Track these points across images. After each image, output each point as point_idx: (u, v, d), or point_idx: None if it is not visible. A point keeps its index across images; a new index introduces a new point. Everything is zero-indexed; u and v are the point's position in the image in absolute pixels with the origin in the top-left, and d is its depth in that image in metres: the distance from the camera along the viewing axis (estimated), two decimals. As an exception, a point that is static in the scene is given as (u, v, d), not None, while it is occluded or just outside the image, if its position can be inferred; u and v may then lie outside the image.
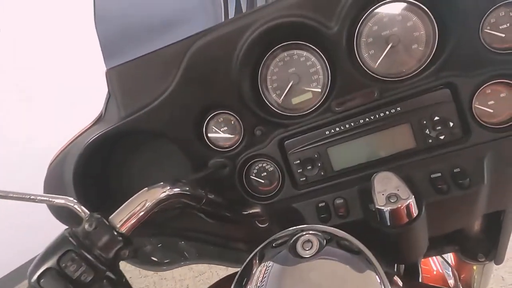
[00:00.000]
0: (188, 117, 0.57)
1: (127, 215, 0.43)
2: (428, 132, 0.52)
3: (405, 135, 0.54)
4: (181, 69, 0.54)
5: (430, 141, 0.53)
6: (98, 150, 0.59)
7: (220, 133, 0.61)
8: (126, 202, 0.45)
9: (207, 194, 0.53)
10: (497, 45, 0.50)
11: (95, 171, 0.63)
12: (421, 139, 0.53)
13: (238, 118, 0.58)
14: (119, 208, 0.44)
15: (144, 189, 0.47)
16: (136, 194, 0.46)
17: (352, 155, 0.56)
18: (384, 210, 0.45)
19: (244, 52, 0.52)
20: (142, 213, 0.44)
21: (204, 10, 0.60)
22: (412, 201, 0.44)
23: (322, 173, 0.57)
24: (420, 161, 0.53)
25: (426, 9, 0.50)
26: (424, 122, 0.52)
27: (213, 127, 0.61)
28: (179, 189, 0.49)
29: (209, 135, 0.61)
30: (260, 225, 0.65)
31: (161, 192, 0.47)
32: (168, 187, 0.48)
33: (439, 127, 0.52)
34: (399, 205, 0.44)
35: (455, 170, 0.52)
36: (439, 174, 0.52)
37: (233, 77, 0.54)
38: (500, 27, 0.49)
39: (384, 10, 0.52)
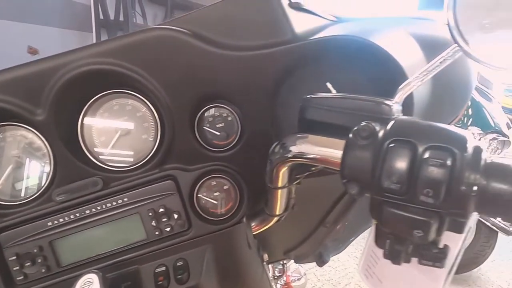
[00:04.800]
0: None
1: None
2: (155, 224, 0.51)
3: (136, 227, 0.52)
4: None
5: (157, 233, 0.52)
6: None
7: None
8: None
9: None
10: (215, 142, 0.53)
11: None
12: (150, 230, 0.52)
13: None
14: None
15: None
16: None
17: (81, 248, 0.51)
18: None
19: None
20: None
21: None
22: None
23: (44, 270, 0.50)
24: (148, 254, 0.51)
25: (147, 102, 0.51)
26: (150, 214, 0.51)
27: None
28: None
29: None
30: None
31: None
32: None
33: (165, 219, 0.51)
34: None
35: (178, 264, 0.51)
36: (164, 268, 0.51)
37: None
38: (217, 126, 0.53)
39: (112, 100, 0.51)
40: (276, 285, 0.89)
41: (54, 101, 0.46)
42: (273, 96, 0.49)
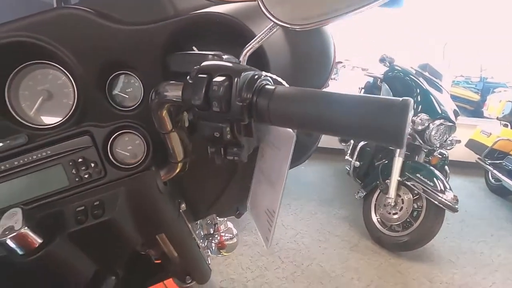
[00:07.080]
0: None
1: None
2: (75, 172, 0.62)
3: (59, 175, 0.62)
4: None
5: (77, 179, 0.62)
6: None
7: None
8: None
9: None
10: (126, 104, 0.65)
11: None
12: (72, 178, 0.62)
13: None
14: None
15: None
16: None
17: (10, 196, 0.61)
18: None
19: None
20: None
21: None
22: (25, 230, 0.51)
23: None
24: (71, 197, 0.62)
25: (65, 71, 0.62)
26: (71, 164, 0.62)
27: None
28: None
29: None
30: None
31: None
32: None
33: (84, 167, 0.62)
34: (13, 234, 0.50)
35: (95, 203, 0.62)
36: (83, 208, 0.61)
37: None
38: (127, 90, 0.64)
39: (36, 70, 0.62)
40: (211, 243, 1.01)
41: None
42: (164, 63, 0.60)
